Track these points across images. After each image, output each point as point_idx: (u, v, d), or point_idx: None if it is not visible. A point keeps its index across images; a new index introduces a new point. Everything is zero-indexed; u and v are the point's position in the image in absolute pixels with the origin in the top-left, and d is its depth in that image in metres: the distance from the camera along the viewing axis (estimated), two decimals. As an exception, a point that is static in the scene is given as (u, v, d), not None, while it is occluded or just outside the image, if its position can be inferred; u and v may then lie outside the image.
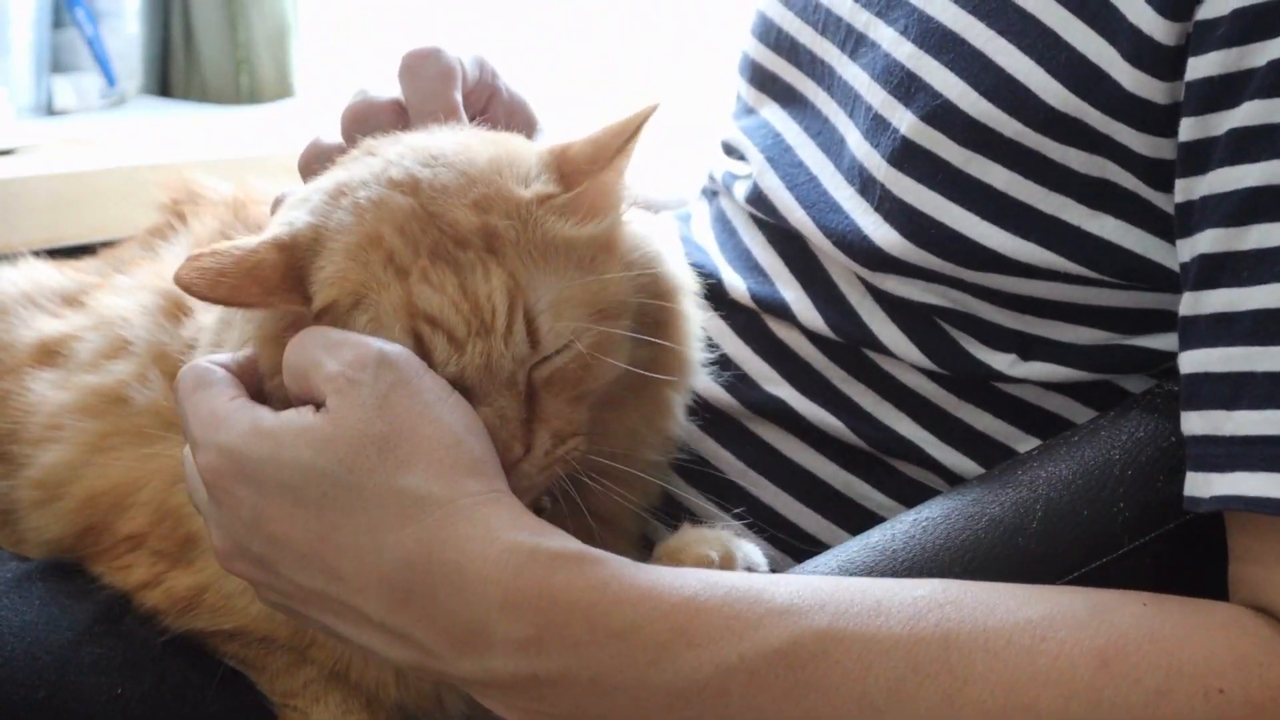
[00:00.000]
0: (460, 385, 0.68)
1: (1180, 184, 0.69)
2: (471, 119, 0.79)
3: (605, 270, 0.71)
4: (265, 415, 0.68)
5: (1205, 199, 0.67)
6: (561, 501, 0.72)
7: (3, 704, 0.75)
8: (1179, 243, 0.70)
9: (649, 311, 0.74)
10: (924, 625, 0.64)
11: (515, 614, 0.64)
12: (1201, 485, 0.66)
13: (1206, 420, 0.66)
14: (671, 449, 0.82)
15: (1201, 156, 0.68)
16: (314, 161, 0.78)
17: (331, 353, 0.67)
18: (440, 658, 0.65)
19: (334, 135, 0.79)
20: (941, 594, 0.66)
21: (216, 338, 0.77)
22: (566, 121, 0.84)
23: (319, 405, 0.67)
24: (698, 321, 0.79)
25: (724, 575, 0.67)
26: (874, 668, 0.64)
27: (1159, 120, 0.71)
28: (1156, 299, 0.77)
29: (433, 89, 0.77)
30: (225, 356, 0.72)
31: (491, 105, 0.81)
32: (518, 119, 0.82)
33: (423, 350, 0.68)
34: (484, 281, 0.68)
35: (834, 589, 0.66)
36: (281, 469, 0.66)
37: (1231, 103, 0.66)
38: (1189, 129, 0.68)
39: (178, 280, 0.68)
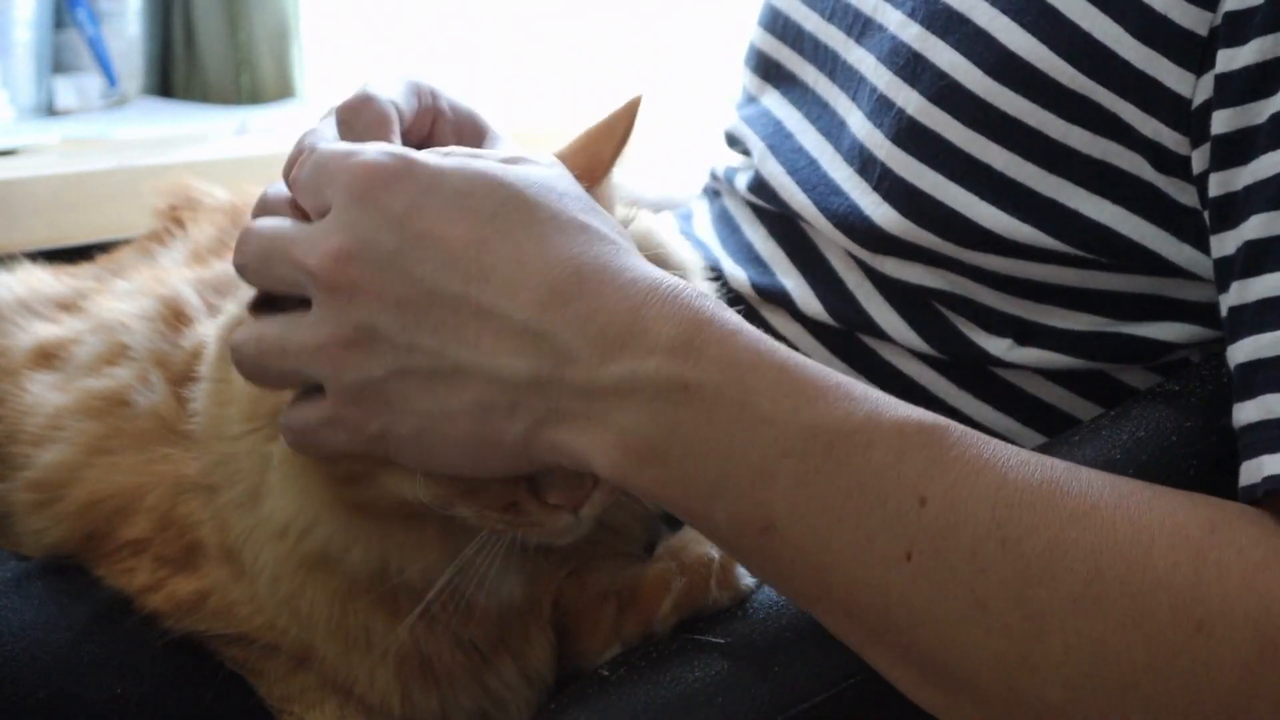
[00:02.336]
0: None
1: (1217, 177, 0.68)
2: (419, 146, 0.79)
3: None
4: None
5: (1249, 188, 0.66)
6: None
7: (2, 703, 0.75)
8: (1216, 238, 0.69)
9: None
10: (1054, 459, 0.65)
11: (683, 326, 0.62)
12: (1254, 471, 0.64)
13: (1261, 407, 0.64)
14: None
15: (1243, 146, 0.67)
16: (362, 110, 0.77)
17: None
18: (581, 362, 0.62)
19: (328, 133, 0.79)
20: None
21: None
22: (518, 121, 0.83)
23: None
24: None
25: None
26: (1012, 468, 0.63)
27: (1166, 104, 0.71)
28: (1151, 283, 0.77)
29: (370, 138, 0.76)
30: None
31: (437, 127, 0.81)
32: (467, 133, 0.82)
33: None
34: None
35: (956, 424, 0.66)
36: (460, 176, 0.64)
37: (1271, 90, 0.66)
38: (1226, 120, 0.68)
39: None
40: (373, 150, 0.65)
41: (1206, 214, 0.71)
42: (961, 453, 0.63)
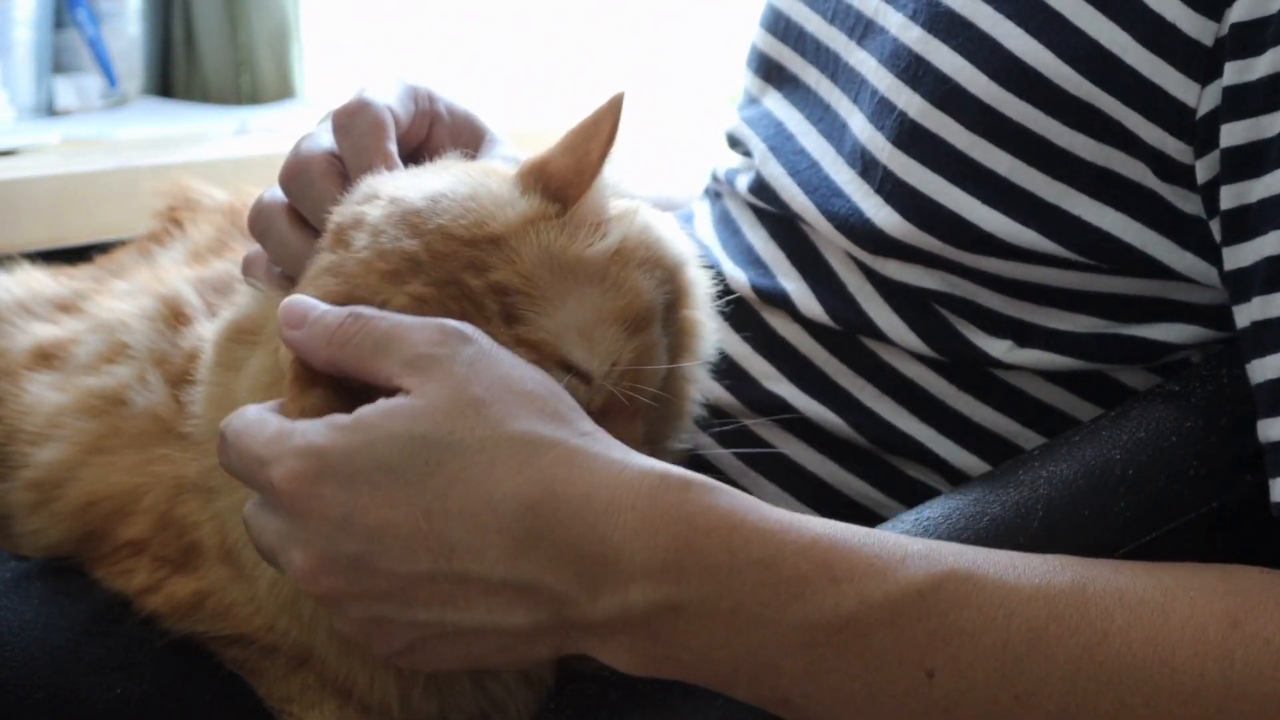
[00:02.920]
0: None
1: (1229, 190, 0.68)
2: (416, 149, 0.79)
3: (625, 281, 0.70)
4: (338, 415, 0.65)
5: (1265, 201, 0.66)
6: None
7: (2, 703, 0.75)
8: (1229, 250, 0.69)
9: (668, 295, 0.74)
10: (1060, 580, 0.64)
11: (653, 539, 0.62)
12: None
13: None
14: (689, 429, 0.81)
15: (1255, 159, 0.67)
16: (297, 176, 0.77)
17: (401, 331, 0.65)
18: (573, 602, 0.63)
19: (323, 138, 0.79)
20: (1073, 561, 0.65)
21: (260, 369, 0.73)
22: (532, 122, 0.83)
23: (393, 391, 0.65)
24: (705, 285, 0.79)
25: (847, 525, 0.66)
26: (1015, 616, 0.62)
27: (1170, 112, 0.71)
28: (1152, 286, 0.77)
29: (366, 144, 0.76)
30: (262, 405, 0.69)
31: (434, 131, 0.80)
32: (463, 135, 0.81)
33: None
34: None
35: (965, 545, 0.66)
36: (375, 450, 0.63)
37: None
38: (1237, 133, 0.68)
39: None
40: (284, 462, 0.64)
41: (1216, 224, 0.70)
42: (960, 614, 0.63)
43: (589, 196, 0.70)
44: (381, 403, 0.64)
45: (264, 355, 0.73)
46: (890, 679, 0.62)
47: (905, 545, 0.64)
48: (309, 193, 0.75)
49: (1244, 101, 0.67)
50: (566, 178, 0.70)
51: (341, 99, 0.79)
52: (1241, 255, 0.68)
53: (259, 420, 0.66)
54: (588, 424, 0.65)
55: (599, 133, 0.70)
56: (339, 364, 0.66)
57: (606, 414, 0.69)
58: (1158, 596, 0.63)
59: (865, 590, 0.62)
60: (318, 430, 0.64)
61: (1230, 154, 0.68)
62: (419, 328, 0.65)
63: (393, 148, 0.77)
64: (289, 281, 0.74)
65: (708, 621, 0.62)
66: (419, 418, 0.63)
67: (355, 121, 0.76)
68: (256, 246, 0.80)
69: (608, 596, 0.62)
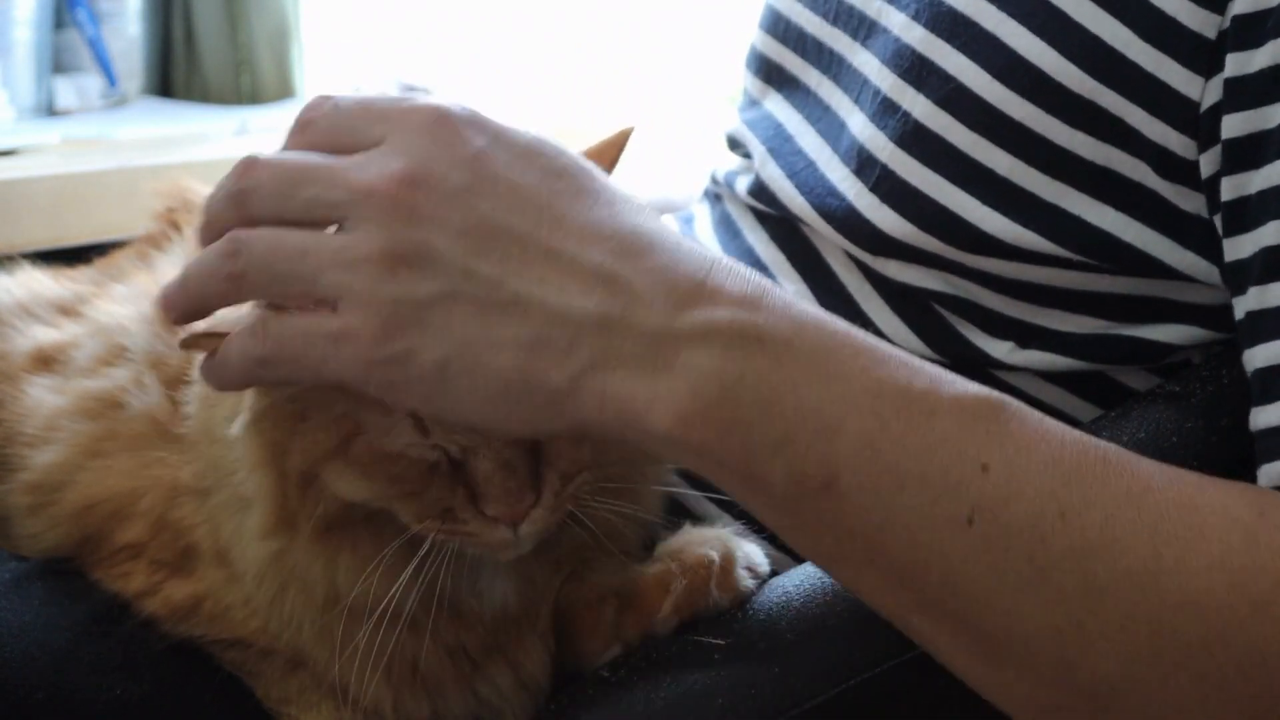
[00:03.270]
0: (462, 442, 0.67)
1: (1229, 181, 0.68)
2: None
3: None
4: None
5: (1264, 192, 0.66)
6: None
7: (2, 704, 0.75)
8: (1229, 242, 0.69)
9: None
10: (1105, 443, 0.65)
11: (750, 285, 0.63)
12: (1276, 474, 0.65)
13: None
14: None
15: (1255, 150, 0.67)
16: None
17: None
18: (654, 309, 0.61)
19: None
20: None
21: None
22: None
23: None
24: None
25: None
26: (1067, 445, 0.63)
27: (1174, 107, 0.71)
28: (1153, 286, 0.77)
29: None
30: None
31: None
32: None
33: (420, 424, 0.67)
34: None
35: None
36: (525, 136, 0.64)
37: None
38: (1237, 124, 0.68)
39: None
40: (437, 98, 0.65)
41: (1218, 218, 0.70)
42: (1020, 426, 0.63)
43: None
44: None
45: None
46: (946, 465, 0.62)
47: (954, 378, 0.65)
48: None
49: (1244, 93, 0.67)
50: None
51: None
52: (1240, 247, 0.68)
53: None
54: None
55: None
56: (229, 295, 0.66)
57: None
58: (1192, 477, 0.64)
59: (936, 380, 0.63)
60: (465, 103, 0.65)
61: (1230, 146, 0.68)
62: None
63: None
64: None
65: (785, 358, 0.62)
66: (567, 148, 0.66)
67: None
68: None
69: (695, 311, 0.62)
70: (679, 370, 0.61)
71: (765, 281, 0.65)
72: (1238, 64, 0.68)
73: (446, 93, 0.81)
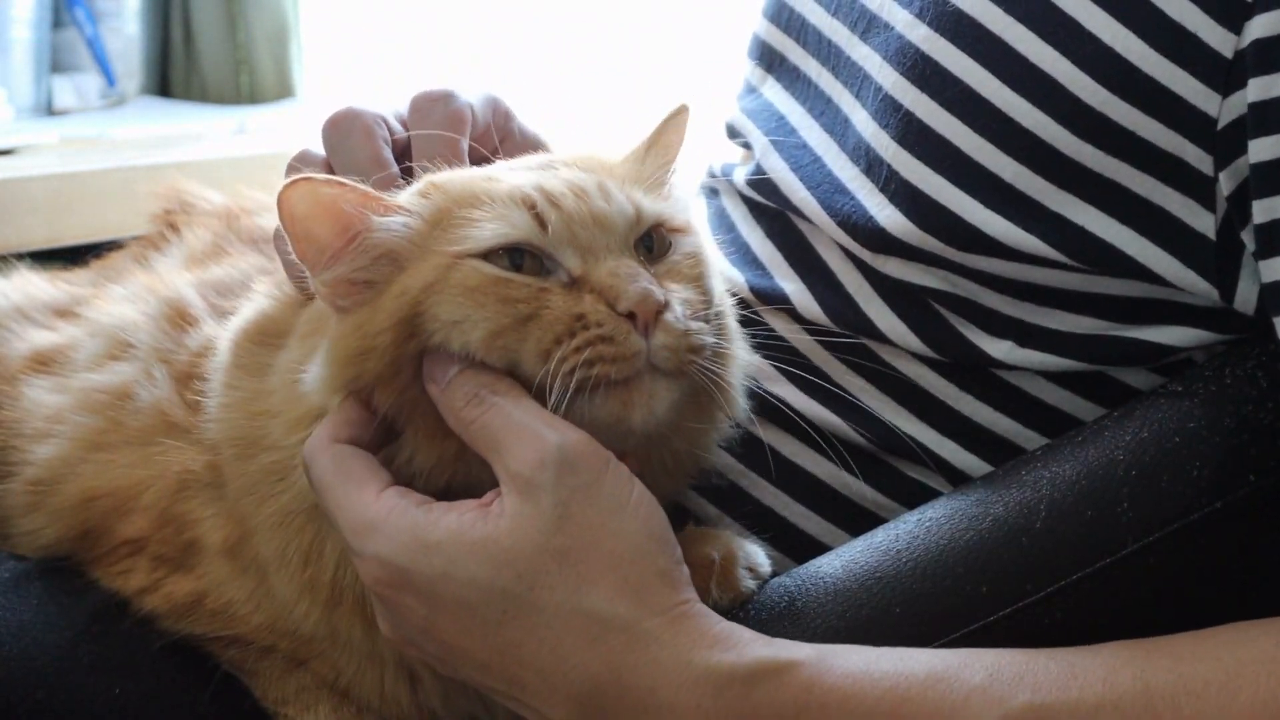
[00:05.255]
0: (579, 245, 0.69)
1: (1261, 205, 0.69)
2: (486, 160, 0.78)
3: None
4: (423, 521, 0.66)
5: None
6: None
7: (1, 703, 0.75)
8: (1264, 263, 0.69)
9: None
10: (1121, 681, 0.64)
11: None
12: None
13: None
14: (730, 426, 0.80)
15: None
16: (342, 124, 0.77)
17: (511, 439, 0.66)
18: None
19: (384, 106, 0.79)
20: (1127, 650, 0.66)
21: (296, 366, 0.73)
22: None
23: (481, 500, 0.67)
24: (735, 322, 0.79)
25: (914, 654, 0.67)
26: None
27: (1190, 121, 0.71)
28: (1153, 290, 0.77)
29: (439, 134, 0.76)
30: (337, 421, 0.70)
31: (506, 148, 0.80)
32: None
33: (537, 219, 0.69)
34: (585, 177, 0.72)
35: (1025, 661, 0.66)
36: (455, 586, 0.66)
37: None
38: (1265, 149, 0.68)
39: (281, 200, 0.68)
40: (367, 563, 0.68)
41: (1249, 235, 0.71)
42: None
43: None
44: (463, 527, 0.66)
45: (298, 349, 0.73)
46: None
47: (968, 680, 0.64)
48: (346, 144, 0.76)
49: (1272, 117, 0.68)
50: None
51: (342, 100, 0.79)
52: (1277, 269, 0.69)
53: (341, 488, 0.68)
54: (668, 595, 0.66)
55: (661, 144, 0.76)
56: (464, 438, 0.68)
57: (670, 275, 0.72)
58: (1220, 677, 0.63)
59: None
60: (402, 542, 0.66)
61: (1261, 169, 0.68)
62: (528, 439, 0.66)
63: (464, 145, 0.77)
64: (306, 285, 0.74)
65: None
66: (501, 565, 0.65)
67: (435, 109, 0.77)
68: (256, 255, 0.80)
69: None
70: None
71: (757, 718, 0.64)
72: (1263, 88, 0.68)
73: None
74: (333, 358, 0.70)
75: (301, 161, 0.79)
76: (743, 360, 0.77)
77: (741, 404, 0.77)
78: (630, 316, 0.67)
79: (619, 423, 0.68)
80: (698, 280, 0.72)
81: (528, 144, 0.82)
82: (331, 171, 0.77)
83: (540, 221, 0.69)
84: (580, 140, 0.77)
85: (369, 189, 0.70)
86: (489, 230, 0.69)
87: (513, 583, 0.65)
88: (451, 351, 0.68)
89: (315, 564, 0.74)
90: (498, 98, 0.81)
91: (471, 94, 0.79)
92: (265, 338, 0.75)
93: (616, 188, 0.72)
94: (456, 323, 0.67)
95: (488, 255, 0.69)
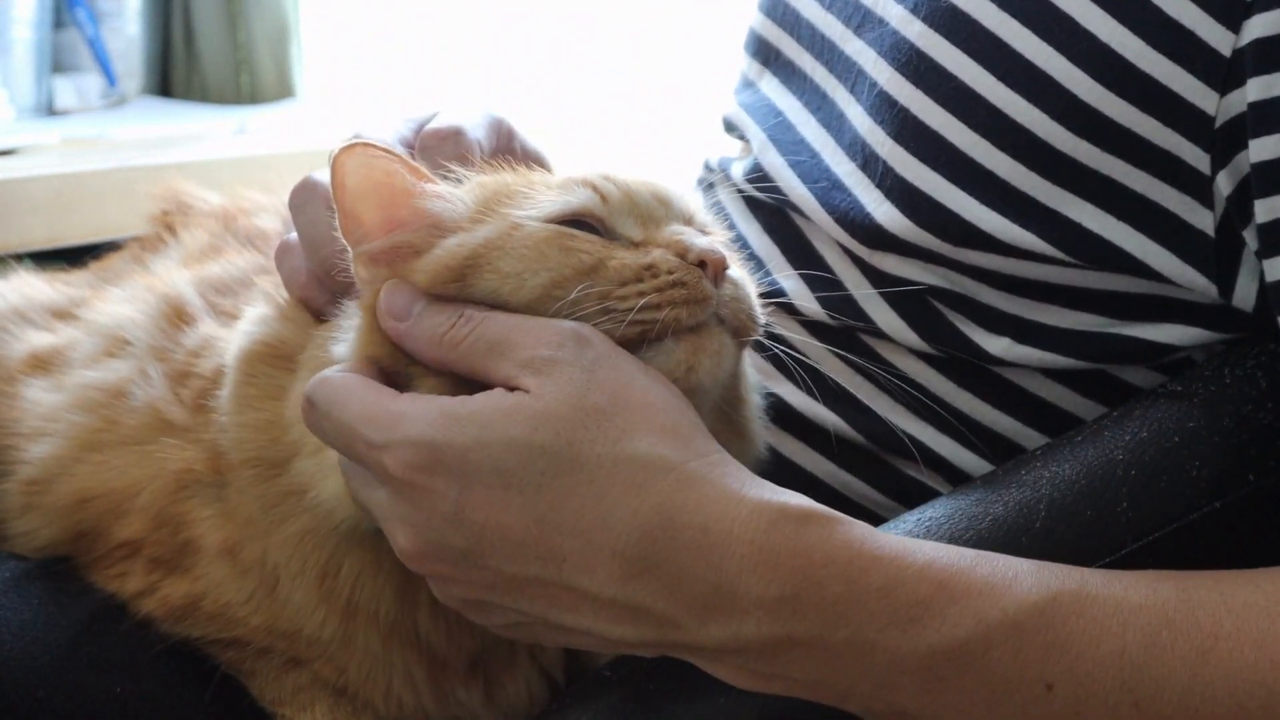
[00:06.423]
0: (639, 216, 0.70)
1: (1263, 204, 0.69)
2: None
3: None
4: (452, 401, 0.65)
5: None
6: None
7: (2, 702, 0.75)
8: (1268, 262, 0.69)
9: None
10: (1165, 589, 0.64)
11: (770, 573, 0.62)
12: None
13: None
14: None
15: None
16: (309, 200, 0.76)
17: (518, 334, 0.65)
18: (682, 627, 0.63)
19: (388, 134, 0.79)
20: (1168, 572, 0.66)
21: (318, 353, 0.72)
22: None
23: (509, 389, 0.64)
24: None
25: (958, 547, 0.66)
26: (1129, 623, 0.63)
27: (1187, 118, 0.71)
28: (1152, 286, 0.77)
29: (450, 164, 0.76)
30: (343, 367, 0.69)
31: (507, 167, 0.81)
32: None
33: (598, 194, 0.70)
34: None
35: (1069, 565, 0.66)
36: (491, 451, 0.63)
37: None
38: (1266, 148, 0.68)
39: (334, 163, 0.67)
40: (395, 451, 0.64)
41: (1251, 233, 0.71)
42: (1076, 625, 0.63)
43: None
44: (498, 396, 0.64)
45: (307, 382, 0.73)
46: (1009, 693, 0.63)
47: (1015, 565, 0.65)
48: (304, 212, 0.75)
49: (1271, 117, 0.68)
50: None
51: (341, 100, 0.79)
52: (1277, 269, 0.69)
53: (361, 394, 0.66)
54: (707, 442, 0.66)
55: None
56: (448, 364, 0.66)
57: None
58: (1261, 601, 0.64)
59: (982, 609, 0.63)
60: (430, 419, 0.64)
61: (1262, 169, 0.68)
62: (535, 328, 0.65)
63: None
64: (314, 295, 0.74)
65: (823, 650, 0.63)
66: (538, 424, 0.63)
67: (445, 147, 0.76)
68: (253, 254, 0.80)
69: (719, 626, 0.63)
70: (729, 666, 0.65)
71: (783, 551, 0.63)
72: (1263, 87, 0.68)
73: (458, 104, 0.80)
74: (366, 310, 0.69)
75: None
76: (757, 402, 0.78)
77: (761, 443, 0.78)
78: (700, 266, 0.68)
79: (688, 373, 0.67)
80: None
81: (530, 160, 0.82)
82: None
83: (601, 196, 0.70)
84: (579, 137, 0.76)
85: (422, 167, 0.71)
86: (551, 199, 0.70)
87: (551, 439, 0.63)
88: (502, 302, 0.67)
89: (333, 578, 0.74)
90: (500, 118, 0.81)
91: (475, 119, 0.78)
92: (277, 359, 0.75)
93: None
94: (516, 274, 0.67)
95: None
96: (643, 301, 0.66)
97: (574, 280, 0.66)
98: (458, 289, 0.67)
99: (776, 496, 0.64)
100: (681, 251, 0.68)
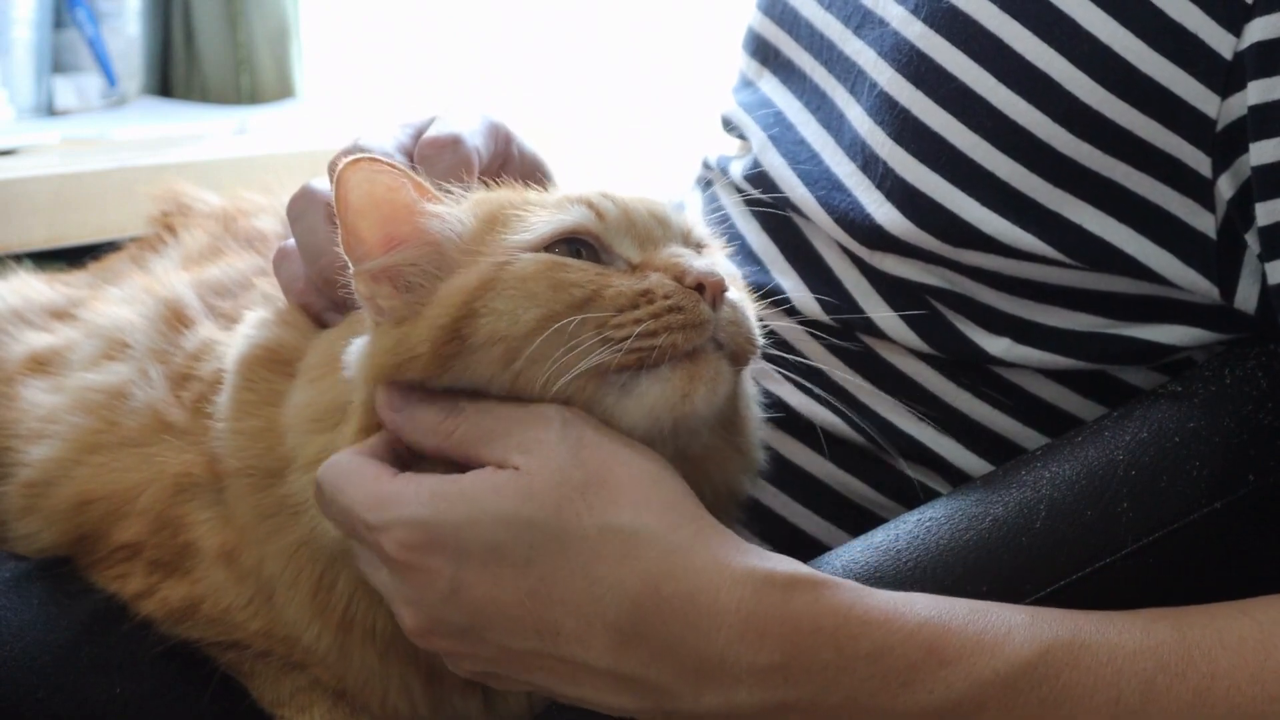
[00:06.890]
0: (636, 235, 0.70)
1: (1264, 207, 0.69)
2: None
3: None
4: (443, 480, 0.66)
5: None
6: None
7: (2, 703, 0.75)
8: (1270, 265, 0.70)
9: None
10: (1159, 630, 0.65)
11: (758, 641, 0.63)
12: None
13: None
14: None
15: None
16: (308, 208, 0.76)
17: (507, 422, 0.66)
18: (678, 696, 0.64)
19: (387, 142, 0.79)
20: (1163, 611, 0.66)
21: (305, 407, 0.73)
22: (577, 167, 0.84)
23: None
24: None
25: (951, 599, 0.67)
26: (1124, 671, 0.64)
27: (1188, 121, 0.71)
28: (1153, 288, 0.77)
29: (449, 178, 0.76)
30: (352, 450, 0.69)
31: (506, 170, 0.81)
32: (531, 179, 0.82)
33: (594, 211, 0.70)
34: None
35: (1064, 611, 0.66)
36: (482, 527, 0.65)
37: None
38: (1267, 152, 0.68)
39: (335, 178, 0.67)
40: (391, 532, 0.66)
41: (1253, 237, 0.71)
42: (1070, 677, 0.64)
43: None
44: (488, 473, 0.65)
45: (308, 391, 0.73)
46: None
47: (1009, 618, 0.65)
48: (303, 221, 0.75)
49: (1272, 120, 0.68)
50: None
51: (341, 100, 0.79)
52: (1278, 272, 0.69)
53: (360, 477, 0.67)
54: (695, 510, 0.66)
55: None
56: (443, 452, 0.68)
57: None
58: (1255, 633, 0.64)
59: (975, 669, 0.63)
60: (423, 499, 0.65)
61: (1262, 172, 0.68)
62: (524, 415, 0.66)
63: (473, 183, 0.77)
64: (313, 301, 0.74)
65: (819, 713, 0.64)
66: (526, 498, 0.64)
67: (443, 156, 0.76)
68: (253, 255, 0.80)
69: (713, 695, 0.64)
70: None
71: (770, 618, 0.63)
72: (1264, 91, 0.68)
73: (459, 108, 0.80)
74: (368, 374, 0.69)
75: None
76: (757, 416, 0.78)
77: (760, 456, 0.78)
78: (698, 290, 0.67)
79: (683, 400, 0.67)
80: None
81: (527, 164, 0.82)
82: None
83: (598, 213, 0.70)
84: (578, 134, 0.76)
85: (426, 183, 0.71)
86: (545, 219, 0.70)
87: (539, 513, 0.64)
88: (502, 338, 0.67)
89: (327, 592, 0.74)
90: (497, 122, 0.81)
91: (473, 125, 0.78)
92: (276, 366, 0.75)
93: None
94: (510, 311, 0.67)
95: (544, 249, 0.69)
96: (639, 329, 0.65)
97: (567, 314, 0.66)
98: (456, 349, 0.68)
99: (763, 563, 0.64)
100: (679, 275, 0.68)
